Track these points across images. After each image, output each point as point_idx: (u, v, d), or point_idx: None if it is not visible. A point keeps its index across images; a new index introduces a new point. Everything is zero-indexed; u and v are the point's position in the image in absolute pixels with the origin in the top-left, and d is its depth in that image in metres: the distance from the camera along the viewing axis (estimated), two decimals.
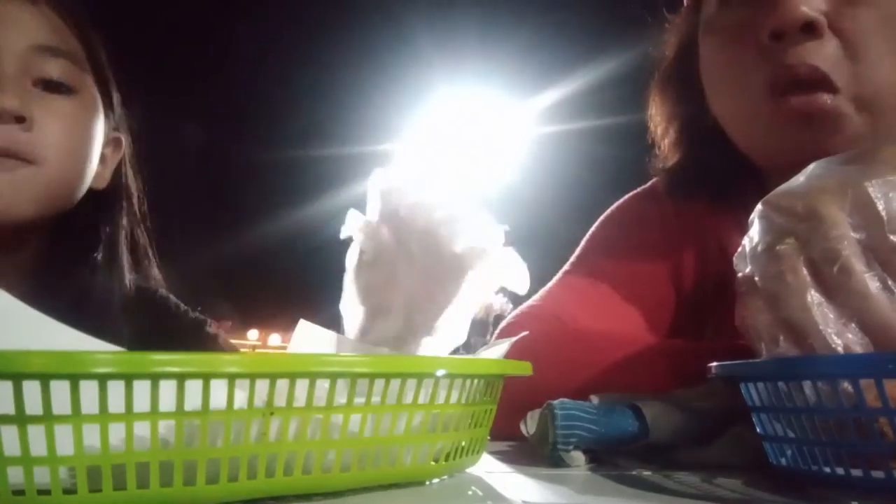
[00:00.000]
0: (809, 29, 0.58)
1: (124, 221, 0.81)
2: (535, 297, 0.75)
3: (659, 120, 0.76)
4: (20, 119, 0.67)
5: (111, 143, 0.80)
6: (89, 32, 0.75)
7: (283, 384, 0.32)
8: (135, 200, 0.84)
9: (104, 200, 0.79)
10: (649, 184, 0.80)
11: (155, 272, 0.85)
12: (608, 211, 0.81)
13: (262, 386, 0.31)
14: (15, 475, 0.28)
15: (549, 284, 0.76)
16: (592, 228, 0.80)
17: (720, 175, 0.72)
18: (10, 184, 0.67)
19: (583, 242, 0.79)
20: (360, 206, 0.49)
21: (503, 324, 0.72)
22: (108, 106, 0.78)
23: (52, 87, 0.70)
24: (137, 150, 0.85)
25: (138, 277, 0.82)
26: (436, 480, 0.40)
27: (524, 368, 0.43)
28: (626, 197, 0.81)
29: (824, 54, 0.58)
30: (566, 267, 0.77)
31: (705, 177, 0.73)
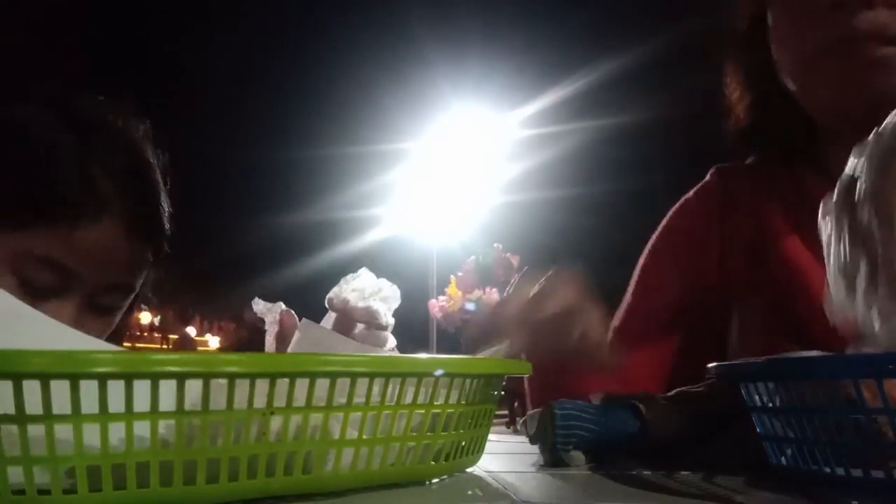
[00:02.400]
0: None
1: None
2: None
3: (734, 87, 0.80)
4: None
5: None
6: (162, 249, 0.74)
7: (283, 384, 0.32)
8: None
9: None
10: (700, 183, 0.82)
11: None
12: (663, 225, 0.82)
13: (261, 386, 0.31)
14: (15, 475, 0.28)
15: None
16: (650, 244, 0.81)
17: (788, 137, 0.76)
18: None
19: (641, 262, 0.80)
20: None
21: None
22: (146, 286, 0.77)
23: (103, 310, 0.71)
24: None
25: None
26: (436, 480, 0.40)
27: (523, 368, 0.43)
28: (679, 204, 0.83)
29: (880, 21, 0.63)
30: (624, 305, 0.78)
31: (775, 137, 0.77)
